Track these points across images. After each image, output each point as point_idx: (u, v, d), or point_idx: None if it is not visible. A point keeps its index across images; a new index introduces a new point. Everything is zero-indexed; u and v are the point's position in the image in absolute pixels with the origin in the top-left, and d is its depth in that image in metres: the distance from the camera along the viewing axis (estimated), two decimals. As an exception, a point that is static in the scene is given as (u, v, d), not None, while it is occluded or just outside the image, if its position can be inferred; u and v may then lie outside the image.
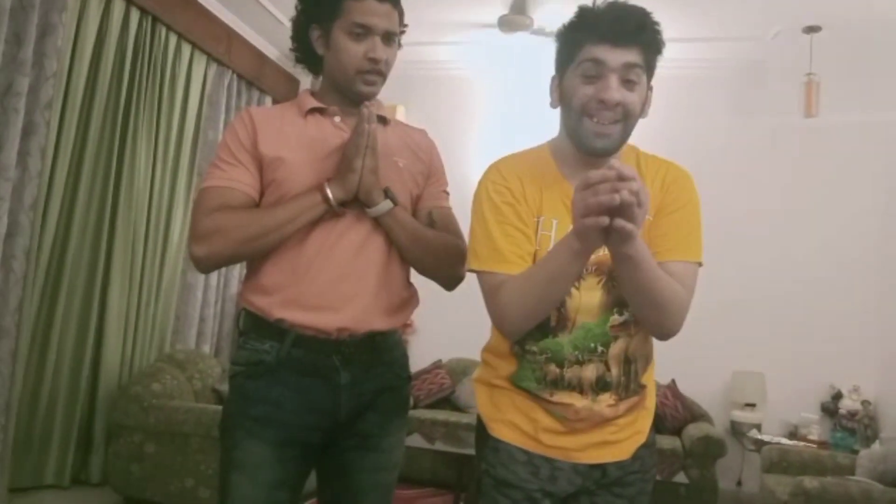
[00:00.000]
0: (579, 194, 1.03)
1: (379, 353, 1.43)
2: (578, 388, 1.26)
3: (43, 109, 3.02)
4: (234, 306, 4.72)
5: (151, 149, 3.84)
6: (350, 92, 1.44)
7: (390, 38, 1.42)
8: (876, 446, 3.47)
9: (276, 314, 1.37)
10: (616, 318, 1.25)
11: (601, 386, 1.27)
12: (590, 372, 1.26)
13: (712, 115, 4.60)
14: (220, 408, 3.19)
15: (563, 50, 1.26)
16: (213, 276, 4.45)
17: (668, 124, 4.04)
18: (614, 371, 1.27)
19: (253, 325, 1.41)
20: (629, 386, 1.29)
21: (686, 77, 4.47)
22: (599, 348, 1.25)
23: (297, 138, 1.41)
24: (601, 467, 1.30)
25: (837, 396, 4.22)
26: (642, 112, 1.27)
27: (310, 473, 1.46)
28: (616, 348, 1.26)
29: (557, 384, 1.26)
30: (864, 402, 4.11)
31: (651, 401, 1.37)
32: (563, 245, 1.14)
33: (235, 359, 1.43)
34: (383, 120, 1.51)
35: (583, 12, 1.23)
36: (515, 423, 1.30)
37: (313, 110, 1.45)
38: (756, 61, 4.43)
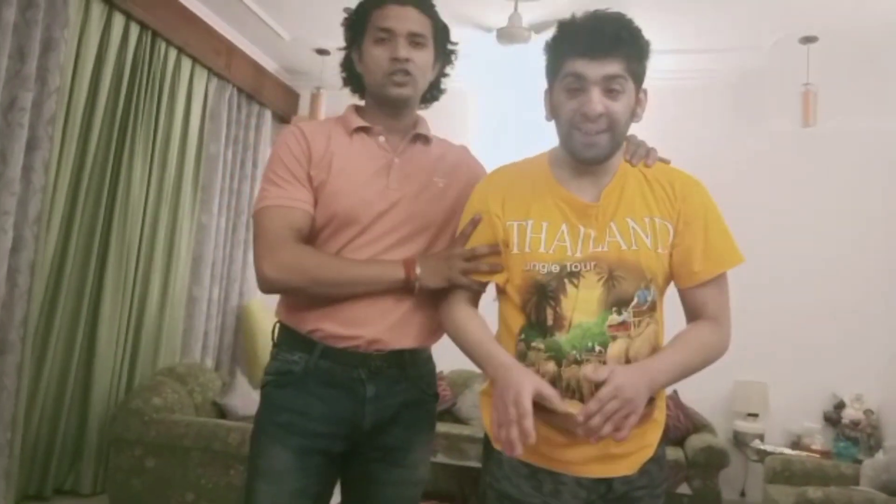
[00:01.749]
0: (501, 405, 1.15)
1: (406, 368, 1.44)
2: (578, 392, 1.23)
3: (46, 124, 3.04)
4: (235, 319, 4.72)
5: (148, 163, 3.84)
6: (384, 98, 1.45)
7: (416, 40, 1.43)
8: (879, 455, 3.46)
9: (308, 326, 1.40)
10: (615, 318, 1.24)
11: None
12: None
13: (711, 124, 4.62)
14: (220, 421, 3.24)
15: (549, 64, 1.30)
16: (216, 288, 4.46)
17: (667, 133, 4.04)
18: None
19: (285, 338, 1.45)
20: None
21: (685, 87, 4.49)
22: (597, 348, 1.23)
23: (343, 158, 1.43)
24: (606, 482, 1.28)
25: (840, 406, 4.20)
26: (634, 117, 1.29)
27: (335, 484, 1.47)
28: (615, 349, 1.24)
29: (556, 385, 1.24)
30: (867, 412, 4.10)
31: (661, 414, 1.34)
32: (493, 364, 1.24)
33: (267, 369, 1.46)
34: (426, 139, 1.52)
35: (562, 26, 1.26)
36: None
37: (359, 129, 1.47)
38: (754, 71, 4.46)
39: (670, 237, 1.29)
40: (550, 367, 1.25)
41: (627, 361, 1.25)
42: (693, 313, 1.33)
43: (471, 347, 1.31)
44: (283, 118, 5.17)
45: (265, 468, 1.38)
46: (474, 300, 1.42)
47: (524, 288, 1.29)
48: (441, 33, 1.50)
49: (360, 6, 1.48)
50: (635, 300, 1.25)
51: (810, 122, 4.06)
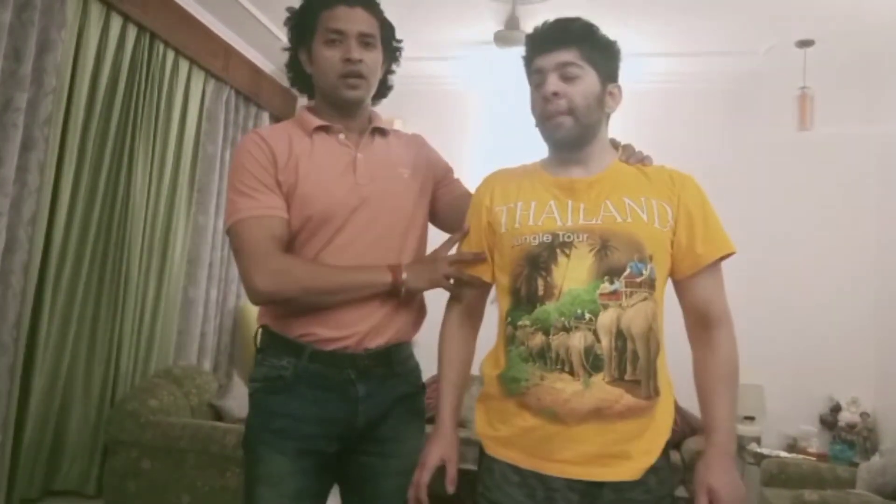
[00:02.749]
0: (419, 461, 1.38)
1: (393, 365, 1.46)
2: (568, 365, 1.22)
3: (42, 125, 3.02)
4: (233, 321, 4.71)
5: (146, 164, 3.83)
6: (337, 99, 1.46)
7: (366, 40, 1.44)
8: (875, 458, 3.46)
9: (297, 331, 1.39)
10: (606, 287, 1.24)
11: (592, 362, 1.22)
12: (577, 341, 1.22)
13: (708, 128, 4.61)
14: (216, 424, 3.22)
15: (525, 71, 1.39)
16: (213, 290, 4.45)
17: (664, 137, 4.06)
18: (604, 342, 1.22)
19: (271, 342, 1.44)
20: (624, 366, 1.23)
21: (682, 91, 4.49)
22: (587, 315, 1.23)
23: (309, 159, 1.43)
24: (598, 485, 1.24)
25: (836, 409, 4.20)
26: (605, 107, 1.35)
27: (332, 484, 1.48)
28: (605, 318, 1.23)
29: (545, 356, 1.23)
30: (863, 415, 4.10)
31: (664, 416, 1.30)
32: (437, 411, 1.44)
33: (253, 375, 1.45)
34: (382, 132, 1.54)
35: (527, 36, 1.38)
36: (507, 436, 1.28)
37: (318, 129, 1.47)
38: (751, 75, 4.46)
39: (669, 218, 1.30)
40: (538, 339, 1.25)
41: (619, 332, 1.23)
42: (698, 313, 1.33)
43: (439, 376, 1.45)
44: (280, 120, 5.16)
45: (264, 474, 1.38)
46: (469, 312, 1.44)
47: (514, 262, 1.30)
48: (387, 32, 1.52)
49: (306, 7, 1.48)
50: (628, 270, 1.25)
51: (806, 126, 4.07)
